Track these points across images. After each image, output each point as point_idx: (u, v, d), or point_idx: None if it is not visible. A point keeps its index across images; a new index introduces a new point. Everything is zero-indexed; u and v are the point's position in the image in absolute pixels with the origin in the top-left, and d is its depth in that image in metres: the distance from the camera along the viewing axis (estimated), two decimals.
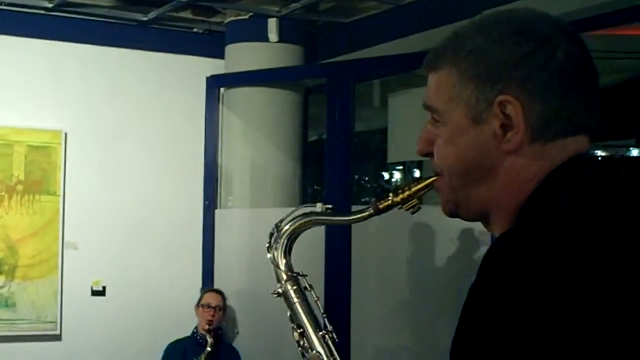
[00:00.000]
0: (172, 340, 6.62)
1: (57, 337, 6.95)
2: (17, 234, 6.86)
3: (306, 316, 1.88)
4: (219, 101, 7.25)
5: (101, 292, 7.13)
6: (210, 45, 7.59)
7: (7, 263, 6.81)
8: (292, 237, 1.95)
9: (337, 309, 6.09)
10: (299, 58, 7.35)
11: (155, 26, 7.51)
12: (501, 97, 1.44)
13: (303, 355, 1.90)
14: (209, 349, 6.28)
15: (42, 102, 7.06)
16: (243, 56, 7.32)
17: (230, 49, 7.40)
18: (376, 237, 6.43)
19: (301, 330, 1.88)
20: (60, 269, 6.95)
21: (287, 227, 1.94)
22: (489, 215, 1.52)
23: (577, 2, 5.54)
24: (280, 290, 1.91)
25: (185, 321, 6.59)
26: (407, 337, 6.64)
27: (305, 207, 1.99)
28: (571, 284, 1.22)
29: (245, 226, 7.09)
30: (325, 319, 1.88)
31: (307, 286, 1.91)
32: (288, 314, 1.91)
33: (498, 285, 1.26)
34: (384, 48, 6.87)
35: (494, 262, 1.30)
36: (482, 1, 6.18)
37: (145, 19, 7.35)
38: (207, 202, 7.12)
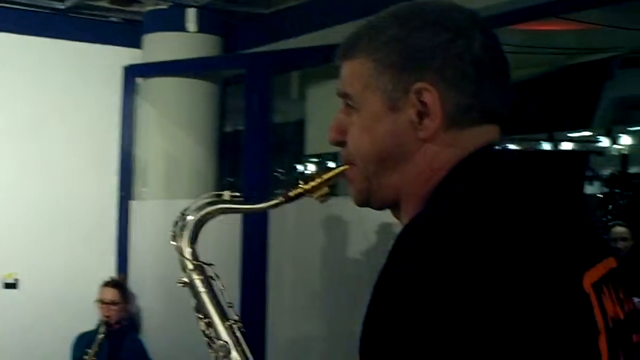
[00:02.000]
0: (79, 333, 6.54)
1: None
2: None
3: (212, 306, 1.86)
4: (135, 91, 7.16)
5: (13, 285, 7.01)
6: (127, 34, 7.49)
7: None
8: (199, 225, 1.92)
9: (253, 300, 6.08)
10: (217, 49, 7.30)
11: (73, 15, 7.39)
12: (418, 85, 1.45)
13: (209, 345, 1.87)
14: (100, 336, 6.25)
15: None
16: (161, 46, 7.25)
17: (148, 38, 7.32)
18: (292, 228, 6.41)
19: (207, 320, 1.85)
20: None
21: (193, 215, 1.91)
22: (399, 202, 1.52)
23: None
24: (185, 280, 1.88)
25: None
26: (322, 328, 6.64)
27: (213, 194, 1.96)
28: (474, 270, 1.23)
29: (160, 218, 7.01)
30: (232, 309, 1.86)
31: (213, 276, 1.89)
32: (193, 304, 1.88)
33: (406, 272, 1.26)
34: (303, 40, 6.85)
35: (402, 248, 1.30)
36: None
37: (63, 7, 7.23)
38: (122, 194, 7.04)
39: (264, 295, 6.16)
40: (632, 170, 16.13)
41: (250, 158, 6.41)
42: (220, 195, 1.95)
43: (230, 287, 5.74)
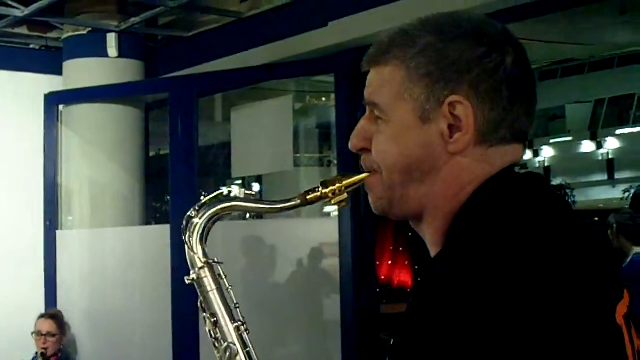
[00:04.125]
0: None
1: None
2: None
3: (220, 305, 1.80)
4: (57, 119, 7.07)
5: None
6: (47, 61, 7.42)
7: None
8: (211, 222, 1.85)
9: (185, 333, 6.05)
10: (139, 73, 7.26)
11: None
12: (452, 98, 1.43)
13: (215, 346, 1.82)
14: None
15: None
16: (82, 72, 7.19)
17: (69, 65, 7.25)
18: (221, 249, 6.36)
19: (214, 319, 1.79)
20: None
21: (205, 211, 1.84)
22: (423, 215, 1.50)
23: None
24: (194, 277, 1.82)
25: (29, 346, 6.39)
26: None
27: (227, 192, 1.90)
28: (518, 304, 1.22)
29: (86, 247, 6.95)
30: (238, 310, 1.81)
31: (222, 274, 1.83)
32: (199, 302, 1.82)
33: (453, 310, 1.24)
34: (224, 62, 6.85)
35: (445, 282, 1.28)
36: (324, 15, 6.25)
37: None
38: (48, 223, 6.92)
39: (196, 320, 6.13)
40: (555, 182, 16.36)
41: (176, 182, 6.37)
42: (231, 193, 1.88)
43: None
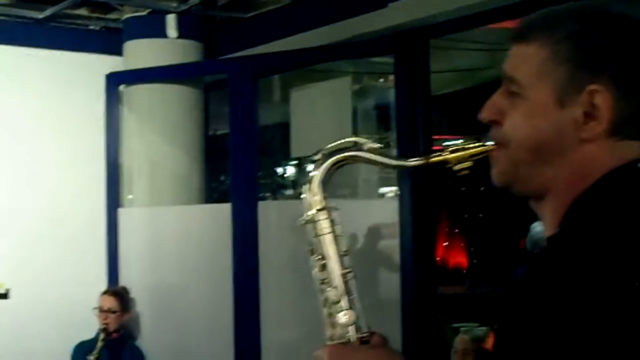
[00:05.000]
0: (78, 342, 6.54)
1: None
2: None
3: (332, 249, 1.80)
4: (118, 99, 7.15)
5: (4, 296, 6.99)
6: (107, 42, 7.48)
7: None
8: (333, 167, 1.85)
9: (246, 301, 6.12)
10: (198, 54, 7.30)
11: (52, 24, 7.38)
12: (593, 87, 1.45)
13: (320, 290, 1.81)
14: (99, 344, 6.28)
15: None
16: (142, 53, 7.24)
17: (129, 45, 7.30)
18: (281, 225, 6.36)
19: (323, 262, 1.79)
20: None
21: (330, 156, 1.83)
22: (545, 195, 1.52)
23: None
24: (309, 218, 1.82)
25: (92, 322, 6.48)
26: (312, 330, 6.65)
27: (352, 141, 1.89)
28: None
29: (147, 225, 7.03)
30: (346, 258, 1.82)
31: (335, 220, 1.83)
32: (308, 245, 1.82)
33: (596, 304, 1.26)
34: (284, 43, 6.86)
35: (572, 269, 1.31)
36: None
37: (41, 16, 7.21)
38: (110, 201, 7.03)
39: (257, 297, 6.18)
40: None
41: (236, 162, 6.42)
42: (361, 143, 1.87)
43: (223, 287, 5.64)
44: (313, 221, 1.84)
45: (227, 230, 6.30)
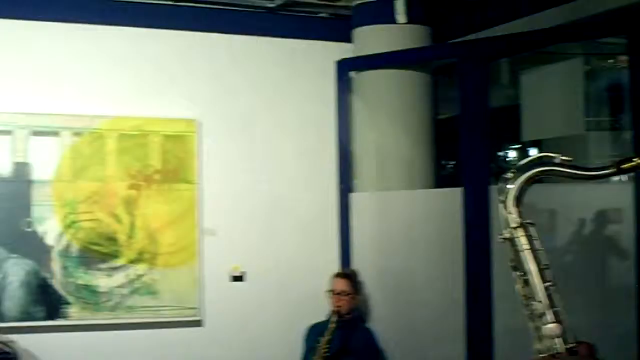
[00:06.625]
0: (312, 324, 6.69)
1: (199, 323, 7.08)
2: (156, 222, 6.98)
3: (533, 265, 1.83)
4: (349, 85, 7.24)
5: (240, 278, 7.23)
6: (336, 29, 7.59)
7: (148, 251, 6.94)
8: (527, 184, 1.88)
9: (479, 283, 6.10)
10: (426, 38, 7.30)
11: (282, 12, 7.55)
12: None
13: (524, 304, 1.84)
14: (331, 325, 6.36)
15: (175, 92, 7.16)
16: (371, 39, 7.29)
17: (358, 32, 7.38)
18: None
19: (525, 278, 1.82)
20: (199, 256, 7.06)
21: (522, 174, 1.86)
22: None
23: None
24: (507, 236, 1.85)
25: (323, 305, 6.63)
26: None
27: (543, 156, 1.92)
28: None
29: (377, 209, 7.09)
30: (548, 271, 1.84)
31: (533, 235, 1.85)
32: (510, 261, 1.85)
33: None
34: (513, 25, 6.78)
35: None
36: None
37: (273, 5, 7.40)
38: (342, 186, 7.14)
39: (489, 281, 6.15)
40: None
41: (467, 146, 6.37)
42: (550, 157, 1.90)
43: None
44: (512, 238, 1.85)
45: (457, 215, 6.29)
